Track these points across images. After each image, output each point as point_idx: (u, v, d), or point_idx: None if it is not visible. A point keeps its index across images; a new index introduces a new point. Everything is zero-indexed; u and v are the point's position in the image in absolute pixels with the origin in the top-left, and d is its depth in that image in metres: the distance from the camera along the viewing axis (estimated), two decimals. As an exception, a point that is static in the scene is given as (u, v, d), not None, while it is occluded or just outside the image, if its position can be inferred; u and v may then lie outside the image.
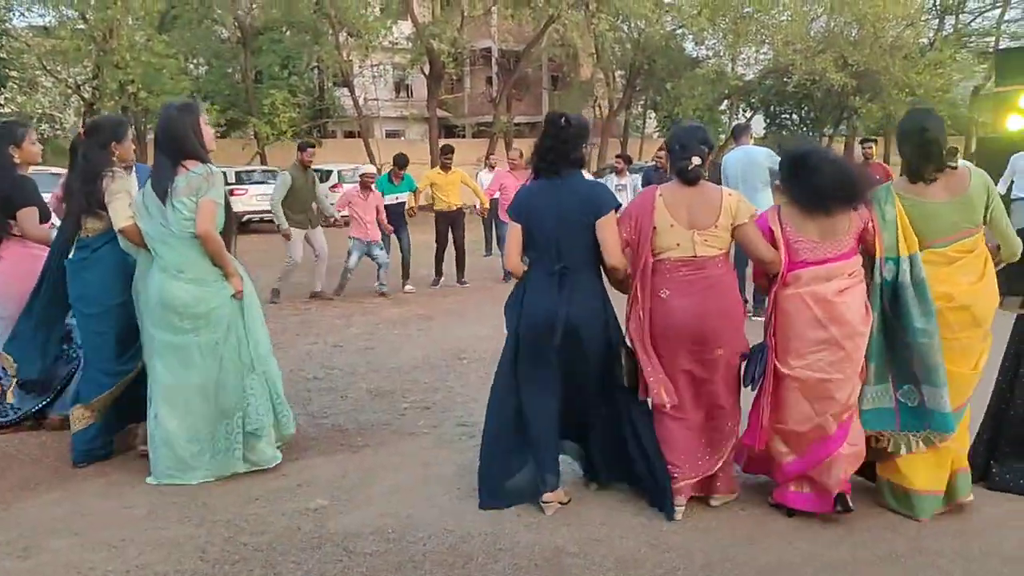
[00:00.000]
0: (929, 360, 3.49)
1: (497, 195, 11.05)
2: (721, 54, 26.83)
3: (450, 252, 10.59)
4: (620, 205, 3.72)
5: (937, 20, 31.15)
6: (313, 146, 9.79)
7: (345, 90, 26.29)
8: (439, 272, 10.60)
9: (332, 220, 9.91)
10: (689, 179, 3.60)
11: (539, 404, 3.72)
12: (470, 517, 3.71)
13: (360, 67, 27.12)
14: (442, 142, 11.14)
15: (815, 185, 3.50)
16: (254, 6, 24.42)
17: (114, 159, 4.32)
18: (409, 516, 3.72)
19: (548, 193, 3.68)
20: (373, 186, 9.88)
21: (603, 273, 3.74)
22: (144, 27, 19.64)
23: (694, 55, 28.86)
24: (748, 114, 32.70)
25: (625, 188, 10.73)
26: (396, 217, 10.10)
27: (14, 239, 4.73)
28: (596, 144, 28.71)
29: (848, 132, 30.88)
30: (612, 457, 3.81)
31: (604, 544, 3.43)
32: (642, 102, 32.82)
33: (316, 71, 28.86)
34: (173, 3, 21.75)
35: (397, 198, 10.19)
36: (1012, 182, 9.84)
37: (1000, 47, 28.34)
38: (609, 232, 3.60)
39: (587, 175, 4.26)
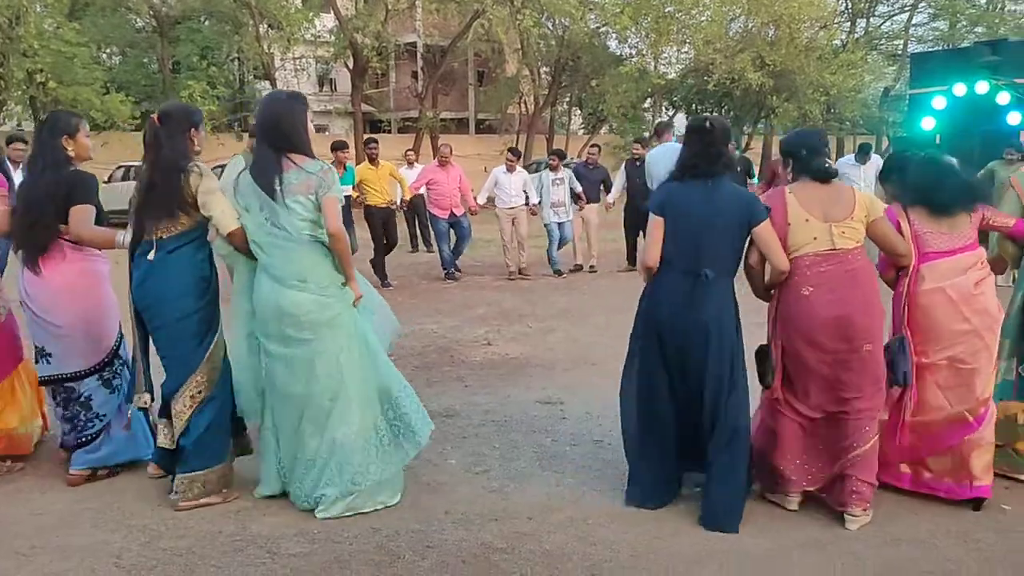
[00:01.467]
0: None
1: (424, 190, 10.92)
2: (644, 53, 27.18)
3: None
4: (770, 211, 3.66)
5: (849, 23, 32.22)
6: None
7: (267, 83, 25.73)
8: (384, 275, 10.05)
9: None
10: (828, 176, 3.64)
11: (658, 409, 3.73)
12: (397, 515, 3.68)
13: (282, 60, 26.55)
14: (367, 136, 10.78)
15: (937, 198, 3.70)
16: (171, -6, 23.75)
17: (195, 149, 3.85)
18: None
19: (697, 194, 3.60)
20: None
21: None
22: (53, 14, 18.87)
23: (618, 53, 29.18)
24: (671, 112, 33.29)
25: (562, 182, 10.81)
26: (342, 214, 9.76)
27: (66, 245, 3.99)
28: (524, 139, 28.84)
29: (767, 131, 31.72)
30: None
31: (532, 539, 3.45)
32: (567, 99, 33.04)
33: (237, 63, 28.19)
34: (84, -10, 20.99)
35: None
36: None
37: (909, 50, 29.54)
38: (772, 237, 3.58)
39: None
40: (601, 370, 6.11)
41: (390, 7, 23.33)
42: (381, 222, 10.07)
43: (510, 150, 11.39)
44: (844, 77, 25.04)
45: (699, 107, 34.29)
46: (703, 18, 25.11)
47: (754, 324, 3.91)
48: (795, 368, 3.64)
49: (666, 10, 24.57)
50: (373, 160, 10.26)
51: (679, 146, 3.80)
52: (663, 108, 32.78)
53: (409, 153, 13.48)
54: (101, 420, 4.05)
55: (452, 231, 10.68)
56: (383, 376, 3.79)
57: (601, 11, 25.38)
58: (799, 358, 3.61)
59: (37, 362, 4.08)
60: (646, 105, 31.21)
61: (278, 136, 3.62)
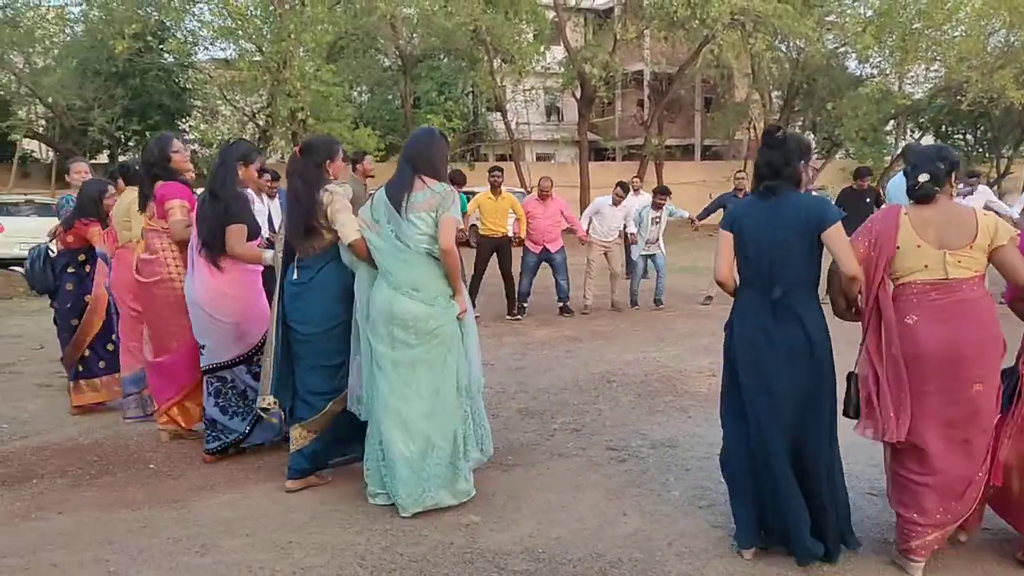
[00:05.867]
0: None
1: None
2: (887, 72, 25.57)
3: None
4: (844, 216, 3.47)
5: None
6: (368, 153, 9.15)
7: (498, 114, 26.90)
8: (473, 297, 9.59)
9: None
10: (918, 196, 3.39)
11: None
12: (620, 542, 3.68)
13: (513, 92, 27.66)
14: (492, 165, 10.51)
15: None
16: (415, 36, 25.47)
17: (328, 177, 4.35)
18: (559, 537, 3.73)
19: (763, 210, 3.50)
20: None
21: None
22: (314, 58, 20.82)
23: (857, 73, 27.66)
24: (916, 135, 31.01)
25: (660, 220, 10.66)
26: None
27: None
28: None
29: (1030, 153, 28.71)
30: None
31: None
32: (800, 123, 31.74)
33: (471, 96, 29.67)
34: (340, 35, 23.00)
35: None
36: None
37: None
38: (841, 241, 3.38)
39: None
40: (835, 408, 5.78)
41: (618, 37, 23.64)
42: (489, 252, 9.88)
43: (619, 184, 10.82)
44: None
45: (949, 128, 31.75)
46: (956, 33, 23.19)
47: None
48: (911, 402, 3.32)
49: (914, 26, 22.97)
50: (495, 188, 9.95)
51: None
52: (908, 131, 30.61)
53: (635, 180, 13.16)
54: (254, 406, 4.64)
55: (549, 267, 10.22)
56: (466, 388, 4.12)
57: (840, 31, 24.18)
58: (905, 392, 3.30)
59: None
60: (888, 128, 29.31)
61: (419, 160, 4.03)
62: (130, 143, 24.71)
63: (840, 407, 3.47)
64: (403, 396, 3.97)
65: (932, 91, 26.70)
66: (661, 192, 10.91)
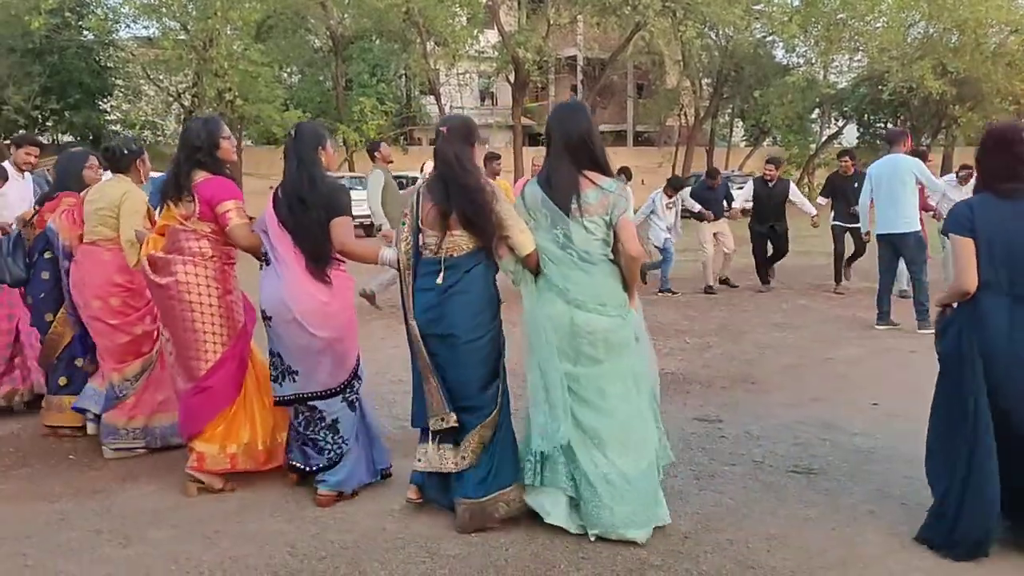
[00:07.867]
0: None
1: None
2: (813, 61, 26.23)
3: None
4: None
5: (1045, 25, 29.80)
6: (384, 140, 9.33)
7: (431, 98, 26.72)
8: None
9: None
10: None
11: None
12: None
13: (446, 75, 27.50)
14: (488, 152, 10.54)
15: None
16: (346, 16, 25.08)
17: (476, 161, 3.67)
18: (492, 521, 3.73)
19: (1008, 210, 3.34)
20: None
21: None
22: (242, 37, 20.37)
23: (784, 63, 28.33)
24: (840, 123, 31.88)
25: (674, 205, 10.75)
26: None
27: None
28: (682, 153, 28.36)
29: (947, 142, 29.79)
30: None
31: (688, 558, 3.38)
32: (729, 110, 32.33)
33: (404, 79, 29.40)
34: (269, 14, 22.51)
35: None
36: None
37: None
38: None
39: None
40: (761, 389, 5.93)
41: (552, 22, 23.71)
42: None
43: (621, 170, 11.06)
44: (1037, 84, 23.23)
45: (871, 117, 32.74)
46: (879, 24, 23.94)
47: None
48: None
49: (838, 17, 23.63)
50: (494, 175, 9.80)
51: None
52: (832, 119, 31.46)
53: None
54: (346, 444, 3.96)
55: None
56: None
57: (768, 20, 24.70)
58: None
59: (278, 380, 3.95)
60: (814, 116, 30.08)
61: (579, 150, 3.48)
62: (48, 123, 23.82)
63: None
64: (594, 414, 3.49)
65: (855, 80, 27.55)
66: (673, 186, 10.93)
